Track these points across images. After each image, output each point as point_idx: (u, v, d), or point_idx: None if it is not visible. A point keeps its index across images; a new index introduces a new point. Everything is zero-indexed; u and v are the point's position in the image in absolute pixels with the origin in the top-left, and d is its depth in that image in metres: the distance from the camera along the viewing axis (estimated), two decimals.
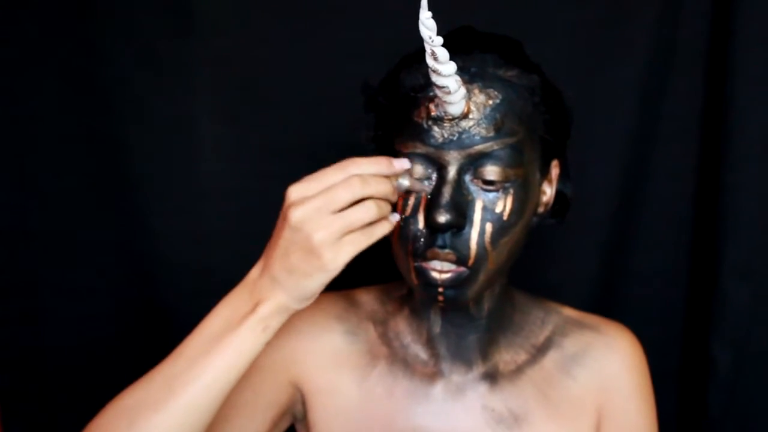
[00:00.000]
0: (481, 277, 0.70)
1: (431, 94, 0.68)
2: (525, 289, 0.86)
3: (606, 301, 1.12)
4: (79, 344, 1.14)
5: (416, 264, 0.70)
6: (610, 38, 1.05)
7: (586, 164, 1.08)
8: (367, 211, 0.62)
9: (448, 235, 0.68)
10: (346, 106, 0.88)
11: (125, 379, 1.15)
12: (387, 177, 0.64)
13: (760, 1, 0.98)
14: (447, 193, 0.67)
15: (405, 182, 0.67)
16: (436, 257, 0.69)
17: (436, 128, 0.68)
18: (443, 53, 0.62)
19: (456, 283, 0.70)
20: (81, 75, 1.07)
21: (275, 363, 0.81)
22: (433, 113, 0.68)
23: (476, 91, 0.68)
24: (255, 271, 0.67)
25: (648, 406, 0.83)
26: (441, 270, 0.69)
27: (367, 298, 0.86)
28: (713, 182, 1.05)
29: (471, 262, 0.69)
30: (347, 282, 0.89)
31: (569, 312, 0.85)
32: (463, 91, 0.66)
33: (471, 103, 0.67)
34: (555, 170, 0.77)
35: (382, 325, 0.83)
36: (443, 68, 0.63)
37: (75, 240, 1.11)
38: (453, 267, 0.69)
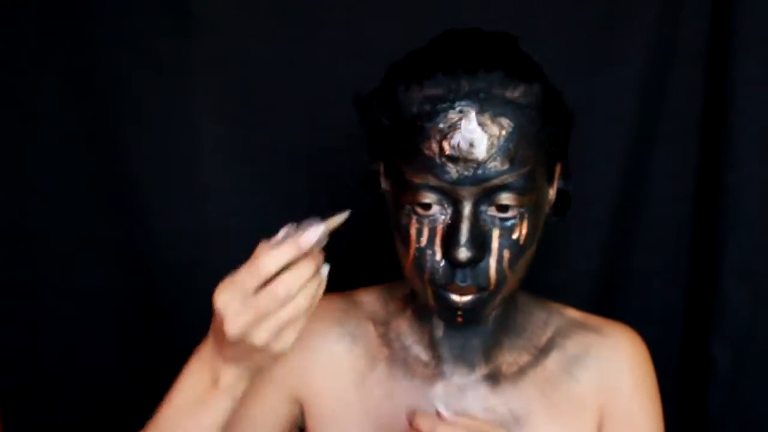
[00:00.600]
0: (500, 297, 0.71)
1: (441, 125, 0.66)
2: (525, 289, 0.86)
3: (606, 301, 1.12)
4: (79, 344, 1.14)
5: (433, 289, 0.70)
6: (610, 38, 1.05)
7: (586, 164, 1.07)
8: (297, 307, 0.61)
9: (468, 270, 0.68)
10: (346, 107, 0.88)
11: (125, 379, 1.16)
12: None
13: (760, 1, 0.98)
14: (465, 228, 0.66)
15: (322, 229, 0.64)
16: (456, 291, 0.69)
17: (450, 164, 0.66)
18: None
19: (476, 305, 0.70)
20: (81, 75, 1.07)
21: (278, 378, 0.81)
22: (447, 152, 0.66)
23: (488, 122, 0.66)
24: (207, 347, 0.68)
25: (652, 406, 0.83)
26: (461, 293, 0.69)
27: (369, 298, 0.85)
28: (713, 182, 1.05)
29: (492, 287, 0.69)
30: (348, 283, 0.89)
31: (572, 313, 0.85)
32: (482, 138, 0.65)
33: (484, 135, 0.66)
34: (557, 171, 0.77)
35: (383, 325, 0.83)
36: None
37: (75, 240, 1.11)
38: (473, 291, 0.69)
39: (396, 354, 0.81)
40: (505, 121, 0.66)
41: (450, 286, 0.68)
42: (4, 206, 1.10)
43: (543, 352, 0.81)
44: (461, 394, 0.79)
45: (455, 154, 0.65)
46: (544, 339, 0.82)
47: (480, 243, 0.67)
